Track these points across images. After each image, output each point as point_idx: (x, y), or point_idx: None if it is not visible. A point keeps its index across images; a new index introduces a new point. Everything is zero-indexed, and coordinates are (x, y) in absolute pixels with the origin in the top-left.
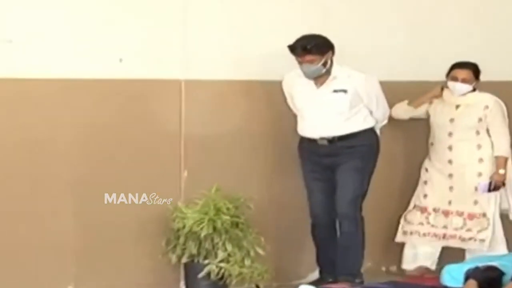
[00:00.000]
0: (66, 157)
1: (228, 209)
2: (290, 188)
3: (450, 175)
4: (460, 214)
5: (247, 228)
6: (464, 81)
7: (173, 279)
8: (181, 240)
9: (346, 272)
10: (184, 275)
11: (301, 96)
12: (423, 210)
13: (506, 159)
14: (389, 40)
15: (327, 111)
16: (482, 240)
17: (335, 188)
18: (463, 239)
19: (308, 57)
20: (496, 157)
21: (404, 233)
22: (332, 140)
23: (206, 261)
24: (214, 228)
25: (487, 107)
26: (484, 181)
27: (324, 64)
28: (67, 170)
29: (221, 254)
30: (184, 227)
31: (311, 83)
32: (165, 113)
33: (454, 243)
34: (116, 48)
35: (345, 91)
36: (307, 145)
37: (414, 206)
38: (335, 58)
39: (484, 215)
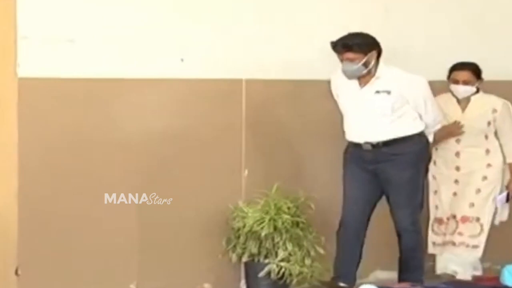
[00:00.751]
0: (129, 156)
1: (288, 208)
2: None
3: (456, 181)
4: (453, 216)
5: (308, 227)
6: (465, 82)
7: (234, 278)
8: (242, 239)
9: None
10: (245, 274)
11: (345, 97)
12: (440, 221)
13: None
14: (451, 39)
15: (370, 113)
16: (476, 246)
17: (376, 198)
18: (453, 243)
19: (349, 55)
20: (509, 164)
21: (433, 244)
22: (376, 145)
23: (267, 260)
24: (275, 228)
25: (495, 110)
26: (502, 194)
27: (366, 64)
28: (129, 169)
29: (281, 253)
30: (244, 226)
31: (356, 83)
32: (226, 112)
33: (449, 249)
34: (178, 48)
35: (388, 92)
36: (353, 150)
37: (434, 218)
38: (394, 60)
39: (477, 219)
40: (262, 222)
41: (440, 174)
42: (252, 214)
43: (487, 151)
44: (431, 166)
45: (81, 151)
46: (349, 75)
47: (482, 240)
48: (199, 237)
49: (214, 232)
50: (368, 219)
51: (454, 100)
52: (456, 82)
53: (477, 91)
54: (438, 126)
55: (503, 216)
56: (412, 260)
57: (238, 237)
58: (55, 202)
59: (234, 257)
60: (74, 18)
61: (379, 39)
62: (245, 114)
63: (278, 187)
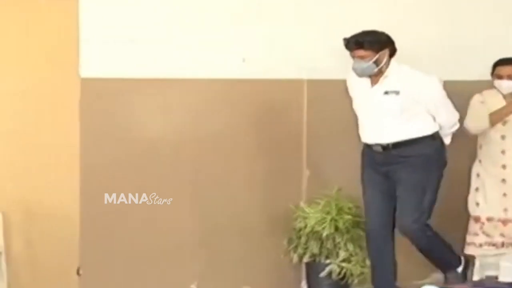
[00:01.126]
0: (189, 156)
1: (349, 208)
2: None
3: (503, 181)
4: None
5: None
6: (510, 77)
7: (295, 278)
8: (303, 239)
9: (444, 272)
10: (306, 274)
11: (358, 97)
12: (477, 219)
13: None
14: (468, 38)
15: (379, 114)
16: None
17: (394, 200)
18: (494, 245)
19: (360, 53)
20: None
21: (468, 244)
22: (386, 147)
23: (328, 261)
24: (336, 228)
25: None
26: None
27: (377, 62)
28: (191, 169)
29: (342, 254)
30: (306, 226)
31: (368, 82)
32: (288, 113)
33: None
34: (240, 48)
35: (397, 92)
36: (367, 152)
37: (470, 216)
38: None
39: None
40: (323, 223)
41: (485, 171)
42: (314, 214)
43: None
44: (475, 164)
45: (143, 151)
46: (359, 73)
47: None
48: (261, 238)
49: (276, 233)
50: (393, 223)
51: (500, 96)
52: (500, 77)
53: None
54: (455, 128)
55: None
56: (435, 259)
57: (300, 237)
58: (117, 202)
59: (295, 258)
60: (135, 19)
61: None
62: (307, 114)
63: (339, 188)
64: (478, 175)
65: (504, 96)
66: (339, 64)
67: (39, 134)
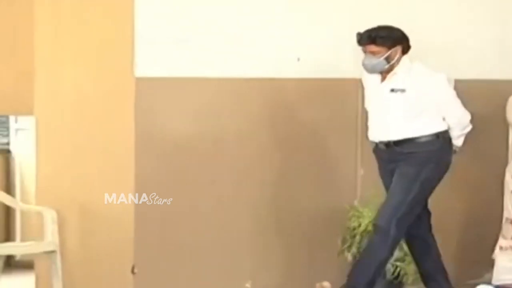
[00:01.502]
0: (247, 155)
1: None
2: (470, 188)
3: None
4: None
5: None
6: None
7: None
8: (357, 238)
9: (348, 284)
10: None
11: (368, 93)
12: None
13: None
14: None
15: (385, 111)
16: None
17: None
18: None
19: (371, 48)
20: None
21: (500, 248)
22: (388, 145)
23: None
24: None
25: None
26: None
27: (388, 59)
28: (247, 168)
29: (397, 253)
30: (360, 225)
31: (379, 79)
32: (341, 112)
33: None
34: (294, 48)
35: (403, 90)
36: (375, 150)
37: (506, 219)
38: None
39: None
40: None
41: None
42: (368, 213)
43: None
44: (509, 166)
45: (197, 149)
46: (369, 69)
47: None
48: (315, 236)
49: (330, 232)
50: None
51: None
52: None
53: None
54: (467, 130)
55: None
56: (363, 265)
57: (354, 236)
58: (171, 200)
59: (349, 257)
60: (189, 18)
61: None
62: (361, 113)
63: None
64: None
65: None
66: None
67: (95, 133)
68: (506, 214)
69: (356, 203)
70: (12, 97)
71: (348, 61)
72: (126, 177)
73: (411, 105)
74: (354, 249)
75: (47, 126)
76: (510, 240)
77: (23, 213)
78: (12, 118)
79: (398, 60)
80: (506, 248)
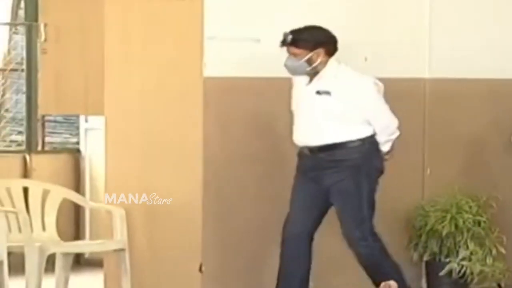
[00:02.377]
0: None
1: (470, 207)
2: None
3: None
4: None
5: (489, 227)
6: None
7: (414, 276)
8: (423, 238)
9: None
10: (425, 272)
11: (295, 94)
12: None
13: None
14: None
15: (309, 115)
16: None
17: (320, 209)
18: None
19: (292, 50)
20: None
21: None
22: (312, 150)
23: (448, 259)
24: (456, 227)
25: None
26: None
27: (309, 61)
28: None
29: (462, 253)
30: (426, 225)
31: (306, 80)
32: (408, 111)
33: None
34: (362, 47)
35: (328, 93)
36: (299, 154)
37: None
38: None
39: None
40: (443, 221)
41: None
42: (434, 213)
43: None
44: None
45: (264, 148)
46: (291, 71)
47: None
48: (382, 235)
49: (396, 231)
50: (312, 232)
51: None
52: None
53: None
54: (394, 136)
55: None
56: (378, 274)
57: (420, 235)
58: (239, 198)
59: (415, 256)
60: (259, 19)
61: None
62: (428, 112)
63: (459, 186)
64: None
65: None
66: (461, 64)
67: (163, 132)
68: None
69: (422, 202)
70: (82, 98)
71: (416, 59)
72: (194, 176)
73: (337, 108)
74: (420, 248)
75: (116, 126)
76: None
77: (92, 211)
78: (82, 118)
79: (324, 63)
80: None
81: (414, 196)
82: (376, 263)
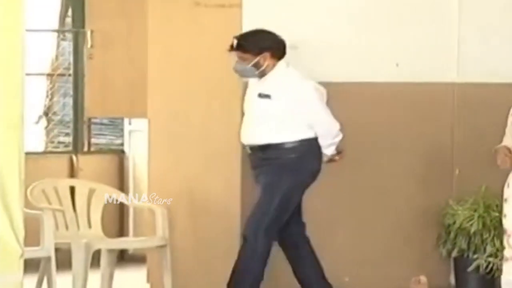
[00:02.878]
0: (350, 153)
1: (497, 206)
2: None
3: None
4: None
5: None
6: None
7: (443, 272)
8: (452, 235)
9: None
10: (454, 268)
11: (246, 95)
12: (505, 231)
13: None
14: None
15: (252, 115)
16: None
17: None
18: None
19: (239, 54)
20: None
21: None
22: (252, 149)
23: (475, 256)
24: (484, 225)
25: None
26: None
27: (257, 65)
28: (351, 164)
29: (489, 249)
30: (454, 223)
31: (254, 82)
32: (436, 114)
33: None
34: (393, 53)
35: (268, 96)
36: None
37: (505, 229)
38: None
39: None
40: (471, 219)
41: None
42: (462, 211)
43: None
44: (510, 174)
45: None
46: (240, 75)
47: None
48: (412, 233)
49: (427, 228)
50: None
51: None
52: None
53: None
54: (338, 139)
55: None
56: (237, 274)
57: (449, 233)
58: None
59: (444, 252)
60: (296, 26)
61: None
62: (457, 115)
63: (487, 186)
64: (508, 185)
65: None
66: (490, 68)
67: (203, 133)
68: (504, 223)
69: (451, 201)
70: (126, 101)
71: (446, 65)
72: (232, 175)
73: (276, 111)
74: (448, 245)
75: (159, 128)
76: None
77: (135, 209)
78: (126, 121)
79: (272, 66)
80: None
81: (444, 195)
82: (247, 262)
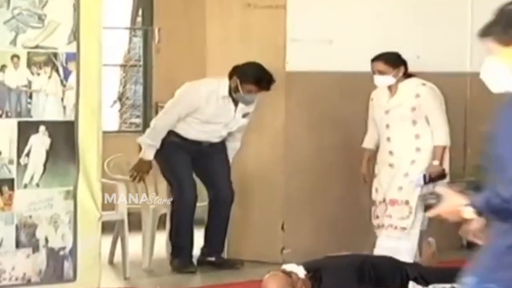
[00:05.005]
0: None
1: None
2: None
3: (391, 165)
4: (383, 200)
5: None
6: (380, 72)
7: (457, 235)
8: None
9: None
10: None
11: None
12: (373, 203)
13: (443, 149)
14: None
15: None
16: (403, 228)
17: None
18: (382, 225)
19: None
20: (434, 147)
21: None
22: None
23: None
24: None
25: (418, 95)
26: (419, 174)
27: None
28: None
29: None
30: None
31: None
32: (453, 99)
33: (379, 232)
34: (415, 46)
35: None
36: None
37: (373, 201)
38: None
39: (407, 202)
40: None
41: (379, 159)
42: None
43: (417, 136)
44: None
45: (336, 130)
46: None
47: (409, 223)
48: None
49: None
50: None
51: (386, 89)
52: (373, 73)
53: (409, 77)
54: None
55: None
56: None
57: None
58: (313, 171)
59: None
60: (332, 24)
61: None
62: (470, 100)
63: None
64: (377, 163)
65: (390, 89)
66: None
67: (253, 117)
68: (373, 197)
69: (463, 174)
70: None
71: (463, 55)
72: (277, 154)
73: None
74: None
75: None
76: (375, 218)
77: None
78: None
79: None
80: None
81: (457, 170)
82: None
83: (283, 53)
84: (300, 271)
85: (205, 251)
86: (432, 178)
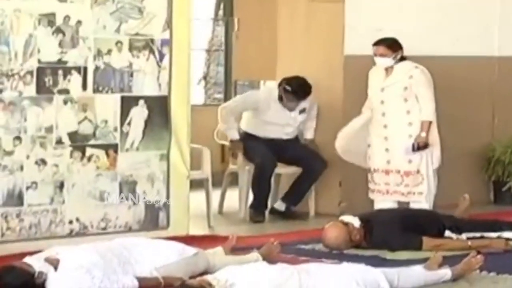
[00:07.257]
0: None
1: None
2: None
3: (386, 138)
4: (398, 172)
5: None
6: (382, 55)
7: (485, 190)
8: (491, 165)
9: None
10: (492, 189)
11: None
12: (369, 170)
13: (429, 123)
14: None
15: None
16: (420, 193)
17: None
18: (402, 194)
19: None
20: (421, 122)
21: (368, 190)
22: None
23: (508, 179)
24: None
25: (411, 76)
26: (408, 143)
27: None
28: None
29: None
30: (493, 156)
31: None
32: (481, 75)
33: (396, 197)
34: (453, 32)
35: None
36: None
37: (368, 168)
38: None
39: (418, 171)
40: (505, 153)
41: (372, 131)
42: (499, 148)
43: (408, 112)
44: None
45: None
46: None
47: (424, 188)
48: (460, 163)
49: (473, 160)
50: None
51: (382, 69)
52: (375, 55)
53: (403, 60)
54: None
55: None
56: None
57: (489, 163)
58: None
59: (485, 177)
60: (383, 15)
61: None
62: (497, 79)
63: None
64: (369, 134)
65: (386, 70)
66: None
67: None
68: (368, 164)
69: (492, 141)
70: (261, 68)
71: (491, 39)
72: (336, 126)
73: None
74: (489, 171)
75: None
76: (373, 184)
77: None
78: (261, 82)
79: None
80: (373, 191)
81: (486, 137)
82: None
83: (341, 39)
84: (356, 222)
85: (284, 201)
86: (419, 146)
